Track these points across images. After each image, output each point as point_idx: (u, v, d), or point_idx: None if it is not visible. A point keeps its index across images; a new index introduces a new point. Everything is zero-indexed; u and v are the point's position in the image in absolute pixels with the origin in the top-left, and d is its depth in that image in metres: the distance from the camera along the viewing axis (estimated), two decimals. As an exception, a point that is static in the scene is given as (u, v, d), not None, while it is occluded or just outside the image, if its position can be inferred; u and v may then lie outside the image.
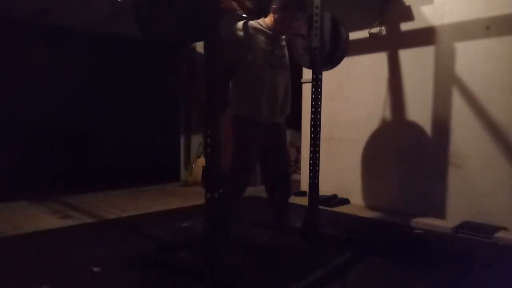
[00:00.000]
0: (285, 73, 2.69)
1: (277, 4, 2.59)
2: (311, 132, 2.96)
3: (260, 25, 2.60)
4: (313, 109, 2.95)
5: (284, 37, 2.76)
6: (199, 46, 5.36)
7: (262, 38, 2.55)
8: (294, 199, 4.42)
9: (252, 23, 2.58)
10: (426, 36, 3.57)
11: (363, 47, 4.04)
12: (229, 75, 2.61)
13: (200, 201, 2.13)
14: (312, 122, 2.95)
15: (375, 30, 3.90)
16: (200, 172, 4.49)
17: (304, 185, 4.47)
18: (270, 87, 2.57)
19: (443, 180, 3.50)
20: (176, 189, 5.15)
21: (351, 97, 4.20)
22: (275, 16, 2.60)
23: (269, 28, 2.63)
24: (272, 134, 2.67)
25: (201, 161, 5.20)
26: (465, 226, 3.20)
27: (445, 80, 3.48)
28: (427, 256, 2.72)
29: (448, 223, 3.32)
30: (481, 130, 3.28)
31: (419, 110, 3.66)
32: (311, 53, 2.86)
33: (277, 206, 2.87)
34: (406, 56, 3.76)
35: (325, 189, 3.95)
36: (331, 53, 2.97)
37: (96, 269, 2.35)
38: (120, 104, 5.27)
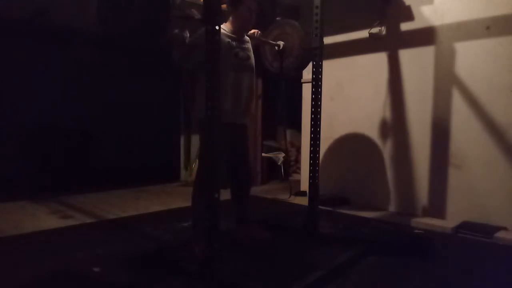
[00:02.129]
0: (249, 75, 2.71)
1: (231, 3, 2.62)
2: (311, 132, 2.96)
3: (223, 29, 2.61)
4: (313, 109, 2.95)
5: (249, 39, 2.78)
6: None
7: (225, 41, 2.55)
8: (294, 199, 4.43)
9: None
10: (426, 36, 3.57)
11: (363, 47, 4.04)
12: (194, 78, 2.62)
13: (200, 201, 2.13)
14: (312, 122, 2.96)
15: (375, 30, 3.90)
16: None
17: (304, 185, 4.47)
18: (233, 89, 2.59)
19: (443, 180, 3.50)
20: (176, 189, 5.14)
21: (351, 97, 4.20)
22: (232, 16, 2.63)
23: (231, 31, 2.65)
24: (234, 135, 2.68)
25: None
26: (465, 226, 3.20)
27: (445, 80, 3.48)
28: (427, 256, 2.72)
29: (448, 223, 3.32)
30: (481, 130, 3.28)
31: (419, 110, 3.66)
32: (280, 59, 2.95)
33: (238, 203, 2.91)
34: (406, 56, 3.76)
35: (325, 189, 3.95)
36: (301, 56, 2.98)
37: (96, 269, 2.35)
38: (120, 104, 5.27)
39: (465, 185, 3.38)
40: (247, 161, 2.90)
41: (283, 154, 5.60)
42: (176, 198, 4.52)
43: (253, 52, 2.79)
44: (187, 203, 4.25)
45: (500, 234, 3.00)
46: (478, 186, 3.31)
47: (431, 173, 3.60)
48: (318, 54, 2.88)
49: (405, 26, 3.75)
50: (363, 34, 3.99)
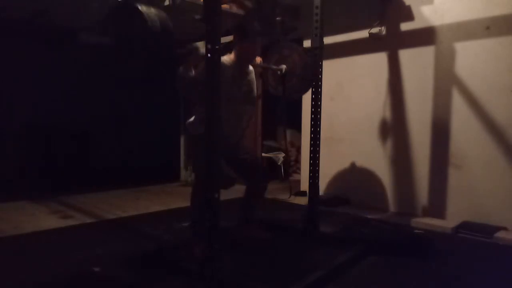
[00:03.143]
0: (249, 107, 2.76)
1: (236, 36, 2.63)
2: (311, 132, 2.96)
3: (226, 61, 2.61)
4: (313, 109, 2.95)
5: (252, 69, 2.79)
6: (199, 46, 5.36)
7: (229, 74, 2.56)
8: (294, 199, 4.43)
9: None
10: (426, 36, 3.57)
11: (363, 47, 4.04)
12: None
13: (200, 201, 2.13)
14: (312, 122, 2.96)
15: (375, 30, 3.90)
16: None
17: (304, 185, 4.47)
18: (232, 121, 2.59)
19: (443, 180, 3.50)
20: (176, 189, 5.14)
21: (351, 97, 4.20)
22: (237, 47, 2.64)
23: (235, 62, 2.65)
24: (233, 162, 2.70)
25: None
26: (465, 226, 3.20)
27: (445, 80, 3.48)
28: (427, 256, 2.72)
29: (448, 223, 3.32)
30: (481, 130, 3.28)
31: (419, 110, 3.66)
32: (283, 83, 2.96)
33: (247, 203, 2.91)
34: (406, 56, 3.76)
35: (325, 189, 3.95)
36: (303, 81, 2.98)
37: (96, 269, 2.35)
38: (121, 104, 5.27)
39: (465, 185, 3.38)
40: (259, 169, 2.93)
41: (283, 154, 5.60)
42: (176, 198, 4.52)
43: (257, 77, 2.81)
44: (187, 203, 4.24)
45: (500, 234, 3.00)
46: (478, 186, 3.31)
47: (431, 173, 3.60)
48: (318, 54, 2.88)
49: (405, 26, 3.75)
50: (363, 34, 3.98)
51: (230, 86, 2.54)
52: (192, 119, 2.63)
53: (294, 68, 2.93)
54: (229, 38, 3.77)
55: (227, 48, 2.62)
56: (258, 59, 2.87)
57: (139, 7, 1.97)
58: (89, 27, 4.39)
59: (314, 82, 2.92)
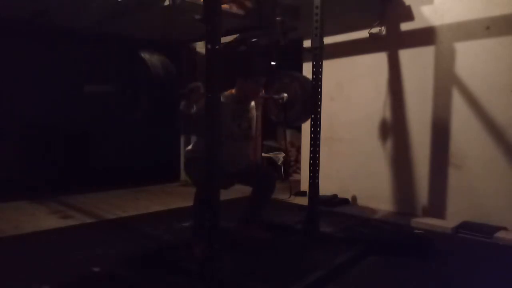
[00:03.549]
0: (248, 143, 2.82)
1: (240, 75, 2.66)
2: (311, 132, 2.96)
3: (229, 97, 2.65)
4: (313, 109, 2.95)
5: (253, 105, 2.83)
6: (199, 46, 5.37)
7: (230, 111, 2.60)
8: (294, 199, 4.43)
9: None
10: (426, 36, 3.57)
11: (363, 47, 4.04)
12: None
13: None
14: (312, 122, 2.96)
15: (375, 30, 3.90)
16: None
17: (304, 185, 4.47)
18: (231, 156, 2.59)
19: (443, 180, 3.50)
20: (176, 189, 5.14)
21: (351, 97, 4.20)
22: (240, 84, 2.67)
23: (236, 98, 2.68)
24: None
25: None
26: (465, 226, 3.21)
27: (445, 80, 3.48)
28: (427, 256, 2.72)
29: (448, 223, 3.32)
30: (481, 130, 3.28)
31: (419, 110, 3.66)
32: (284, 111, 3.00)
33: (254, 203, 2.91)
34: (406, 56, 3.76)
35: (325, 189, 3.95)
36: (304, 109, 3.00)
37: (96, 269, 2.35)
38: (120, 104, 5.26)
39: (465, 185, 3.38)
40: (267, 171, 2.96)
41: (283, 154, 5.60)
42: (176, 198, 4.52)
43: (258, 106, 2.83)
44: (187, 203, 4.26)
45: (500, 234, 3.00)
46: (478, 186, 3.31)
47: (431, 173, 3.60)
48: (318, 54, 2.88)
49: (405, 26, 3.75)
50: (363, 34, 3.99)
51: (230, 123, 2.60)
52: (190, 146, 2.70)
53: (295, 96, 2.95)
54: (229, 38, 3.79)
55: (230, 85, 2.65)
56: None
57: (142, 55, 2.03)
58: (89, 27, 4.39)
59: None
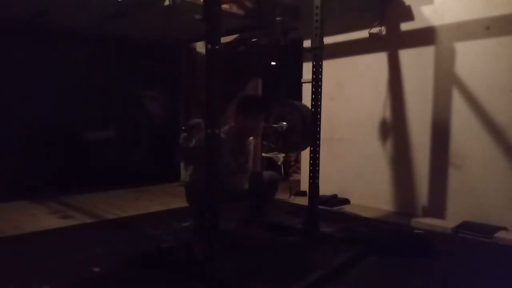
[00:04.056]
0: (244, 177, 2.80)
1: (239, 112, 2.67)
2: (311, 132, 2.96)
3: (228, 133, 2.65)
4: (313, 109, 2.95)
5: (252, 139, 2.85)
6: (199, 46, 5.37)
7: (228, 147, 2.61)
8: (294, 199, 4.43)
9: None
10: (426, 36, 3.57)
11: (363, 47, 4.04)
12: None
13: (200, 201, 2.12)
14: (312, 122, 2.95)
15: (375, 30, 3.90)
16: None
17: (304, 185, 4.47)
18: (228, 189, 2.58)
19: (443, 180, 3.50)
20: (176, 189, 5.14)
21: (351, 97, 4.20)
22: (239, 120, 2.67)
23: (236, 135, 2.69)
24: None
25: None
26: (465, 226, 3.20)
27: (445, 80, 3.48)
28: (427, 256, 2.72)
29: (448, 223, 3.32)
30: (481, 130, 3.28)
31: (419, 110, 3.66)
32: (283, 139, 3.03)
33: (254, 203, 2.91)
34: (406, 56, 3.76)
35: (325, 189, 3.95)
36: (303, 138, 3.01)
37: (96, 269, 2.35)
38: (121, 104, 5.26)
39: (465, 185, 3.38)
40: (269, 175, 2.95)
41: (283, 154, 5.59)
42: (176, 198, 4.52)
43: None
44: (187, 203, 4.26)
45: (500, 234, 3.00)
46: (478, 186, 3.31)
47: (431, 173, 3.60)
48: (318, 54, 2.88)
49: (405, 26, 3.75)
50: (363, 34, 3.99)
51: (228, 158, 2.61)
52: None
53: (295, 125, 2.97)
54: (229, 38, 3.79)
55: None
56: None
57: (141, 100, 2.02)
58: (89, 27, 4.39)
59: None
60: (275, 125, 2.99)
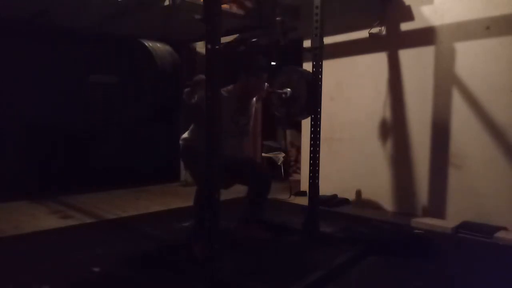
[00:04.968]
0: (245, 138, 2.80)
1: (242, 72, 2.65)
2: (311, 132, 2.96)
3: (230, 94, 2.63)
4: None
5: (254, 101, 2.82)
6: (199, 46, 5.37)
7: (230, 107, 2.59)
8: (294, 199, 4.43)
9: (222, 92, 2.61)
10: (426, 36, 3.57)
11: (363, 47, 4.04)
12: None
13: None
14: (312, 122, 2.96)
15: (375, 30, 3.90)
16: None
17: (304, 185, 4.47)
18: (228, 150, 2.57)
19: (443, 180, 3.50)
20: (176, 189, 5.15)
21: (351, 97, 4.20)
22: (242, 80, 2.66)
23: (239, 96, 2.67)
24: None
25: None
26: (465, 226, 3.20)
27: (445, 80, 3.48)
28: (427, 256, 2.72)
29: (448, 223, 3.32)
30: (481, 130, 3.28)
31: (419, 110, 3.66)
32: (287, 106, 2.99)
33: (252, 203, 2.90)
34: (406, 56, 3.76)
35: (325, 189, 3.94)
36: (308, 103, 2.98)
37: (96, 269, 2.35)
38: (120, 103, 5.27)
39: (465, 185, 3.38)
40: (261, 170, 2.94)
41: (283, 154, 5.60)
42: (176, 198, 4.52)
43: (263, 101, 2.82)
44: (187, 203, 4.27)
45: (500, 234, 3.00)
46: (478, 186, 3.31)
47: (431, 173, 3.60)
48: (318, 54, 2.88)
49: (405, 26, 3.75)
50: (363, 34, 3.99)
51: (229, 120, 2.59)
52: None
53: (299, 92, 2.95)
54: (229, 38, 3.78)
55: (232, 79, 2.64)
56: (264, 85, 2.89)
57: (146, 44, 1.99)
58: (89, 27, 4.39)
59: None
60: (279, 91, 2.97)
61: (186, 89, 2.40)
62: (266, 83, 2.83)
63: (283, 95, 2.96)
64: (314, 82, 2.91)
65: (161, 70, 1.96)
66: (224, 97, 2.41)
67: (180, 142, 2.78)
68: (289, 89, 2.95)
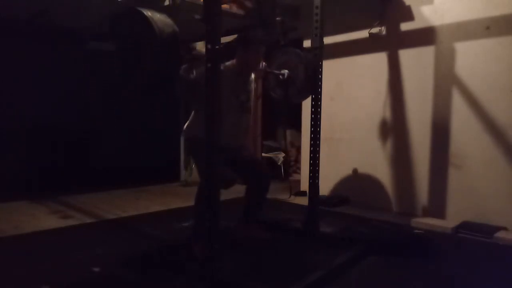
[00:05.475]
0: (247, 116, 2.76)
1: (239, 47, 2.63)
2: (311, 132, 2.96)
3: (229, 68, 2.62)
4: (313, 109, 2.95)
5: (252, 79, 2.80)
6: (199, 46, 5.36)
7: (230, 83, 2.56)
8: (294, 199, 4.43)
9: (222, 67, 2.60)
10: (426, 36, 3.57)
11: (363, 47, 4.04)
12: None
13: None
14: (312, 122, 2.96)
15: (375, 30, 3.90)
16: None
17: (304, 185, 4.47)
18: (231, 130, 2.58)
19: (443, 180, 3.50)
20: (176, 189, 5.15)
21: (351, 97, 4.20)
22: (240, 55, 2.64)
23: (236, 70, 2.65)
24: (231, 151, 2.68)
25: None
26: (465, 226, 3.20)
27: (445, 80, 3.48)
28: (427, 256, 2.72)
29: (448, 223, 3.32)
30: (481, 130, 3.28)
31: (419, 110, 3.66)
32: (285, 87, 2.98)
33: (252, 203, 2.90)
34: (406, 56, 3.76)
35: (325, 189, 3.95)
36: (304, 87, 2.98)
37: (96, 269, 2.35)
38: (120, 103, 5.27)
39: (465, 185, 3.38)
40: (261, 169, 2.92)
41: (283, 154, 5.60)
42: (176, 198, 4.52)
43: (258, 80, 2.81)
44: (187, 203, 4.27)
45: (500, 234, 3.00)
46: (478, 186, 3.31)
47: (431, 173, 3.59)
48: (318, 54, 2.88)
49: (405, 26, 3.75)
50: (363, 34, 3.99)
51: (229, 95, 2.55)
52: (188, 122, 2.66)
53: (296, 74, 2.93)
54: (229, 38, 3.77)
55: (229, 52, 2.62)
56: (261, 64, 2.87)
57: (145, 13, 1.97)
58: (89, 27, 4.39)
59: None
60: (276, 72, 2.96)
61: (184, 66, 2.37)
62: (264, 63, 2.81)
63: (281, 76, 2.95)
64: (313, 64, 2.88)
65: (159, 38, 1.94)
66: (223, 72, 2.38)
67: (182, 133, 2.74)
68: (286, 71, 2.94)
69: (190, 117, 2.71)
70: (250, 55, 2.63)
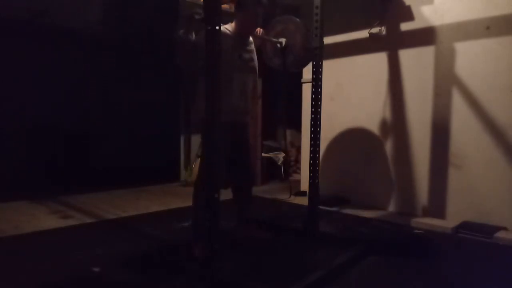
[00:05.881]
0: (252, 76, 2.73)
1: (238, 9, 2.63)
2: (311, 132, 2.96)
3: (227, 30, 2.61)
4: (313, 109, 2.95)
5: (252, 40, 2.78)
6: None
7: (229, 42, 2.54)
8: (294, 199, 4.43)
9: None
10: (426, 36, 3.57)
11: (363, 47, 4.04)
12: (195, 78, 2.63)
13: (200, 201, 2.12)
14: (312, 122, 2.96)
15: (375, 30, 3.90)
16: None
17: (304, 185, 4.47)
18: (237, 90, 2.58)
19: (443, 180, 3.50)
20: (176, 189, 5.15)
21: (351, 97, 4.20)
22: (238, 17, 2.63)
23: (236, 32, 2.64)
24: (234, 134, 2.66)
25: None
26: (465, 226, 3.20)
27: (445, 80, 3.48)
28: (427, 256, 2.72)
29: (448, 223, 3.32)
30: (481, 130, 3.28)
31: (419, 110, 3.66)
32: (283, 56, 2.95)
33: (239, 202, 2.91)
34: (406, 56, 3.76)
35: (325, 189, 3.95)
36: (302, 55, 2.98)
37: (96, 269, 2.35)
38: (120, 103, 5.27)
39: (465, 185, 3.38)
40: (247, 160, 2.90)
41: (283, 154, 5.60)
42: (176, 198, 4.52)
43: (256, 52, 2.80)
44: (187, 203, 4.26)
45: (500, 234, 3.00)
46: (478, 186, 3.31)
47: (431, 173, 3.60)
48: (318, 54, 2.88)
49: (405, 26, 3.75)
50: (363, 34, 3.99)
51: (231, 54, 2.52)
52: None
53: (294, 42, 2.91)
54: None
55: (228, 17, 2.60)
56: (259, 30, 2.84)
57: None
58: (89, 27, 4.39)
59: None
60: (274, 40, 2.93)
61: (181, 30, 2.35)
62: (261, 30, 2.79)
63: (278, 45, 2.93)
64: (309, 32, 2.87)
65: None
66: (224, 32, 2.36)
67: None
68: (283, 39, 2.92)
69: (198, 94, 2.62)
70: (248, 15, 2.61)
